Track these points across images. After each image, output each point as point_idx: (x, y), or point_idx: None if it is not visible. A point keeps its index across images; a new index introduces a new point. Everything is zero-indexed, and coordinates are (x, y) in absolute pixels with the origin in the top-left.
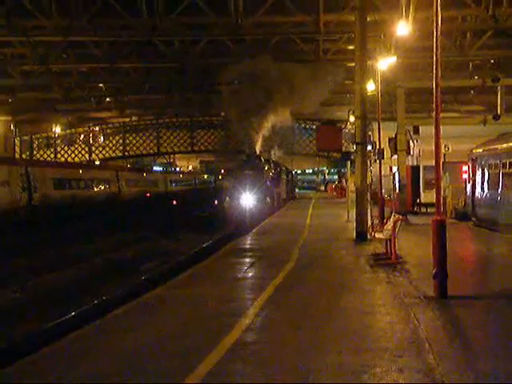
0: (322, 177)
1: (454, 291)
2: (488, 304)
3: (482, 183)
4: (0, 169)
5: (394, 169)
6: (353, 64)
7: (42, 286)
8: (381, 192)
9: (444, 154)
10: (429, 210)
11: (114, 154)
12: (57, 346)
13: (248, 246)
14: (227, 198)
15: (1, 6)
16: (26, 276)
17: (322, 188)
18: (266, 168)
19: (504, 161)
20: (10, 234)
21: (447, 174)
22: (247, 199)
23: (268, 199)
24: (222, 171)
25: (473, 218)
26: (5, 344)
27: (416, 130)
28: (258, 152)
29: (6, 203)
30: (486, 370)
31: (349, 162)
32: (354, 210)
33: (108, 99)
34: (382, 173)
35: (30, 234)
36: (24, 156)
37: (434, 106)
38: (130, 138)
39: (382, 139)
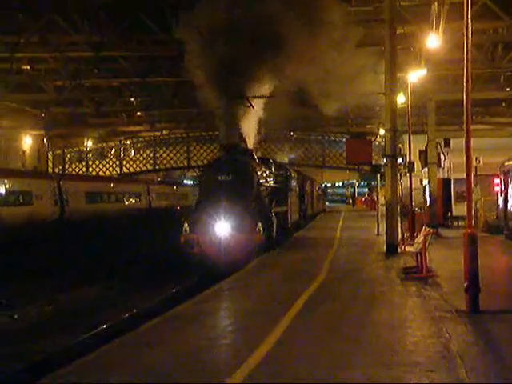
0: (352, 190)
1: (486, 305)
2: None
3: None
4: (33, 183)
5: (425, 182)
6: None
7: (73, 300)
8: (411, 205)
9: (475, 167)
10: (460, 223)
11: (144, 168)
12: (87, 358)
13: (277, 259)
14: (185, 226)
15: (35, 23)
16: (58, 290)
17: (351, 201)
18: (261, 173)
19: None
20: (42, 247)
21: (478, 186)
22: (219, 228)
23: (260, 225)
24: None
25: (505, 231)
26: (40, 357)
27: (447, 143)
28: (248, 145)
29: (39, 217)
30: None
31: (379, 175)
32: (385, 224)
33: (139, 113)
34: (413, 186)
35: (61, 248)
36: (56, 170)
37: (464, 118)
38: (161, 152)
39: (412, 152)
